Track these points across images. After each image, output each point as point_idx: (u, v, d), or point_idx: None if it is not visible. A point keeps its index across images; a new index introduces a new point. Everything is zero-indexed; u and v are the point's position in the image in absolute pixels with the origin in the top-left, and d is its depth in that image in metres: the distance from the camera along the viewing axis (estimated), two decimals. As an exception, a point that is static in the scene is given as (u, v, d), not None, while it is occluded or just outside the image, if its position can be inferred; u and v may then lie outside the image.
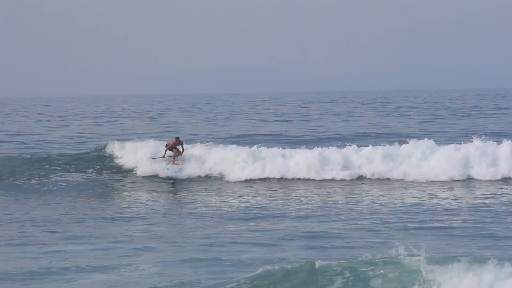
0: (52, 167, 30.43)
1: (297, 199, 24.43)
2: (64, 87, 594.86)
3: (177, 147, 30.42)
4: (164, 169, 29.90)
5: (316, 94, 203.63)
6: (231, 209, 22.23)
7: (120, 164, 31.07)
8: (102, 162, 31.32)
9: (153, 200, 25.16)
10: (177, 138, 30.88)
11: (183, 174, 29.68)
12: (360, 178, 29.03)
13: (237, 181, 29.01)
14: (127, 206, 23.81)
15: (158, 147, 31.22)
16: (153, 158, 30.39)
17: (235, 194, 25.80)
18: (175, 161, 30.22)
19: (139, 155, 30.95)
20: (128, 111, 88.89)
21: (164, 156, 30.30)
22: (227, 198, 25.02)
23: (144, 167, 30.27)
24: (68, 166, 30.63)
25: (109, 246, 16.48)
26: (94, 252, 15.76)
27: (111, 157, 31.56)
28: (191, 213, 21.59)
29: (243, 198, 24.76)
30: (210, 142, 31.83)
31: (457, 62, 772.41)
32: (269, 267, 12.11)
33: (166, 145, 30.66)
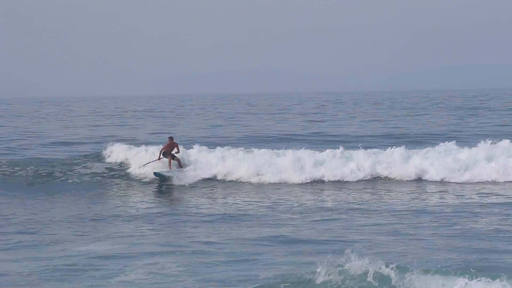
0: (56, 169, 30.55)
1: (322, 201, 24.24)
2: (72, 88, 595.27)
3: (172, 152, 29.58)
4: (162, 173, 29.30)
5: (324, 94, 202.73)
6: (252, 211, 22.13)
7: (121, 166, 31.16)
8: (107, 164, 31.52)
9: (166, 202, 25.22)
10: (171, 138, 30.04)
11: (182, 179, 29.03)
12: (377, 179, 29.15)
13: (256, 184, 28.98)
14: (143, 206, 23.89)
15: (154, 152, 31.00)
16: (145, 164, 29.76)
17: (256, 196, 25.71)
18: (170, 167, 29.39)
19: (137, 159, 30.91)
20: (154, 111, 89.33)
21: (159, 158, 29.61)
22: (247, 200, 24.92)
23: (141, 171, 30.05)
24: (74, 168, 30.82)
25: (131, 245, 16.61)
26: (118, 251, 15.88)
27: (115, 160, 31.74)
28: (210, 214, 21.52)
29: (262, 200, 24.62)
30: (217, 147, 31.82)
31: (459, 63, 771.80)
32: (297, 271, 12.36)
33: (161, 150, 29.87)
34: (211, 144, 33.53)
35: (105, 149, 32.69)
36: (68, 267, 14.42)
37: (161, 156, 29.73)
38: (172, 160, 29.53)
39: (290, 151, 30.65)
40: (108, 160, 31.82)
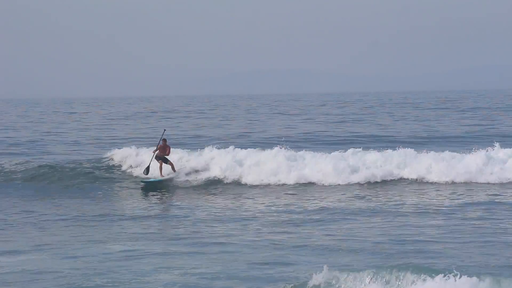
0: (73, 171, 30.91)
1: (352, 202, 24.20)
2: (78, 89, 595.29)
3: (165, 156, 28.78)
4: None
5: (348, 95, 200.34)
6: (278, 212, 22.27)
7: (131, 167, 31.38)
8: (118, 166, 31.78)
9: (187, 202, 25.11)
10: (164, 140, 28.99)
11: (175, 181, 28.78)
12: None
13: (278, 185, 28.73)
14: (165, 207, 24.37)
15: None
16: (146, 170, 29.01)
17: (282, 198, 25.73)
18: (161, 172, 28.83)
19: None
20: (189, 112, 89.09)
21: (154, 154, 28.94)
22: (272, 201, 24.92)
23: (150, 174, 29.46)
24: (91, 170, 31.13)
25: (161, 245, 16.93)
26: (150, 251, 16.19)
27: (127, 162, 31.91)
28: (234, 215, 21.67)
29: (288, 201, 24.72)
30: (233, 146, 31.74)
31: (476, 64, 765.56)
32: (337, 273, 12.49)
33: (155, 150, 29.04)
34: (258, 145, 33.94)
35: (111, 150, 33.20)
36: (106, 265, 14.82)
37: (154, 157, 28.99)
38: (165, 164, 28.91)
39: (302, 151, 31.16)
40: (119, 162, 32.07)
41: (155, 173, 29.18)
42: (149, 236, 18.38)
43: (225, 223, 20.30)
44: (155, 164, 29.18)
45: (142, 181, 29.02)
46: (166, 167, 29.10)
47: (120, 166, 31.72)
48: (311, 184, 28.65)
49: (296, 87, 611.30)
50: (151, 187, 28.46)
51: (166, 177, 28.89)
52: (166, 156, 28.95)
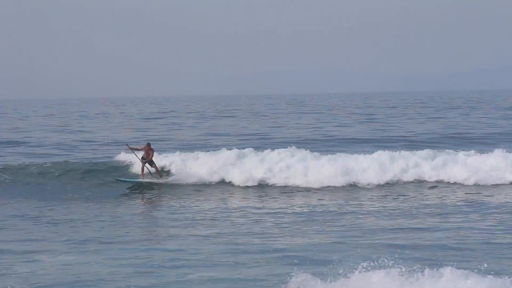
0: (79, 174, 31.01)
1: (387, 204, 23.98)
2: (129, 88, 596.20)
3: (152, 159, 29.15)
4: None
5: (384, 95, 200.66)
6: (316, 213, 22.11)
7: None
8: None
9: (218, 204, 24.80)
10: (148, 144, 29.35)
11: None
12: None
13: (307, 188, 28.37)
14: (207, 209, 23.94)
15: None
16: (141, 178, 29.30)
17: (317, 199, 25.54)
18: (143, 175, 29.15)
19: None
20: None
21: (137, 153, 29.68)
22: (304, 203, 24.68)
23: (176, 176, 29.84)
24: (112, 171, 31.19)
25: (202, 245, 17.00)
26: (191, 251, 16.32)
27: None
28: (272, 216, 21.66)
29: (324, 204, 24.38)
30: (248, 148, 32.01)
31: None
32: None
33: (135, 149, 29.69)
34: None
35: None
36: (148, 265, 14.89)
37: (137, 154, 29.66)
38: (150, 166, 29.29)
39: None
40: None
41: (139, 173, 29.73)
42: (187, 236, 18.37)
43: (261, 223, 20.23)
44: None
45: (117, 179, 29.32)
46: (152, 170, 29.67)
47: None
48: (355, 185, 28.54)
49: (295, 87, 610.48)
50: (178, 187, 28.56)
51: (145, 180, 29.12)
52: (152, 159, 29.46)
